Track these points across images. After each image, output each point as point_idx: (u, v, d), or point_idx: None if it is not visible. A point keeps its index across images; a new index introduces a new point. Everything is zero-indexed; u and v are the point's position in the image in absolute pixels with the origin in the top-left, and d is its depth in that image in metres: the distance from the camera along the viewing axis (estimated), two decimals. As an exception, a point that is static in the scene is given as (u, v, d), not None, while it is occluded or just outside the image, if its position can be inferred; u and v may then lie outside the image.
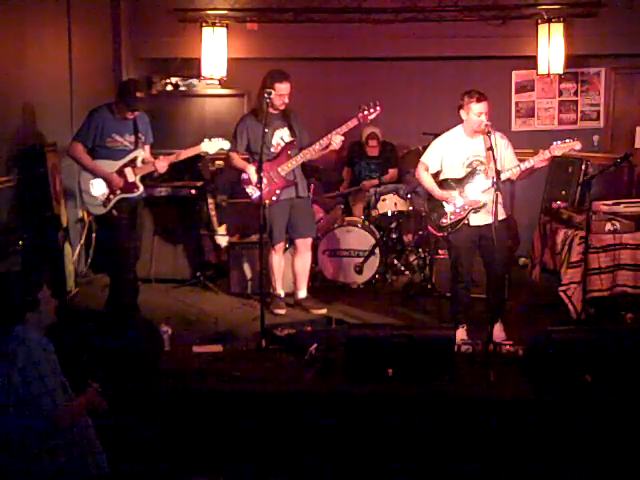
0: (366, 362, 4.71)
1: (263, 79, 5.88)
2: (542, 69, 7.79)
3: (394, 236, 7.20)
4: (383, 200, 7.03)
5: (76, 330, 4.66)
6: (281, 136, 6.02)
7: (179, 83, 8.35)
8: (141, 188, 5.79)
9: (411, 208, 7.07)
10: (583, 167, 6.32)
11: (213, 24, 7.76)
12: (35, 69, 6.27)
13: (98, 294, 6.47)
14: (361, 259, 6.87)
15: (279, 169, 5.96)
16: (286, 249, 6.42)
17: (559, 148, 5.04)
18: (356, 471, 4.24)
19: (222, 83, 8.18)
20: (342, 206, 7.62)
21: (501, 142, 5.23)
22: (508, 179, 5.22)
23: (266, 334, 5.30)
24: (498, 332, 5.29)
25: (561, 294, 5.52)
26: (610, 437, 4.27)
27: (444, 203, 5.32)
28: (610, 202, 5.89)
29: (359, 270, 6.87)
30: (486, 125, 5.05)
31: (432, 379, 4.65)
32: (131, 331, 4.94)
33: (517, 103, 8.30)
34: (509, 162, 5.23)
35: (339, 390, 4.65)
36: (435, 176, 5.41)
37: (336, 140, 5.81)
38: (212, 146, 5.86)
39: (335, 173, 7.92)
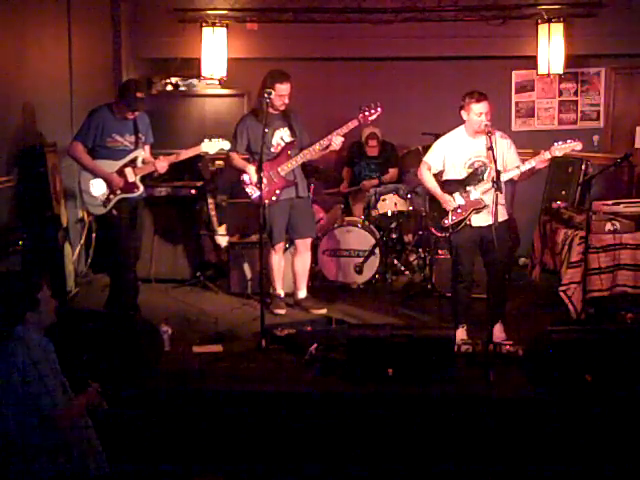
0: (366, 362, 4.71)
1: (263, 79, 5.88)
2: (542, 69, 7.79)
3: (394, 236, 7.21)
4: (383, 200, 7.04)
5: (76, 330, 4.66)
6: (281, 136, 6.02)
7: (179, 83, 8.35)
8: (141, 188, 5.79)
9: (411, 208, 7.07)
10: (583, 167, 6.32)
11: (213, 24, 7.75)
12: (35, 69, 6.26)
13: (98, 294, 6.47)
14: (361, 259, 6.87)
15: (279, 169, 5.96)
16: (286, 249, 6.43)
17: (560, 149, 5.04)
18: (356, 471, 4.24)
19: (222, 83, 8.17)
20: (342, 206, 7.62)
21: (502, 142, 5.22)
22: (511, 179, 5.21)
23: (266, 334, 5.30)
24: (498, 332, 5.29)
25: (561, 294, 5.52)
26: (610, 437, 4.26)
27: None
28: (610, 202, 5.90)
29: (359, 270, 6.87)
30: (486, 125, 5.04)
31: (432, 379, 4.65)
32: (131, 331, 4.94)
33: (517, 103, 8.29)
34: (512, 162, 5.23)
35: (339, 390, 4.66)
36: (438, 176, 5.42)
37: (336, 141, 5.81)
38: (212, 146, 5.86)
39: (335, 173, 7.91)
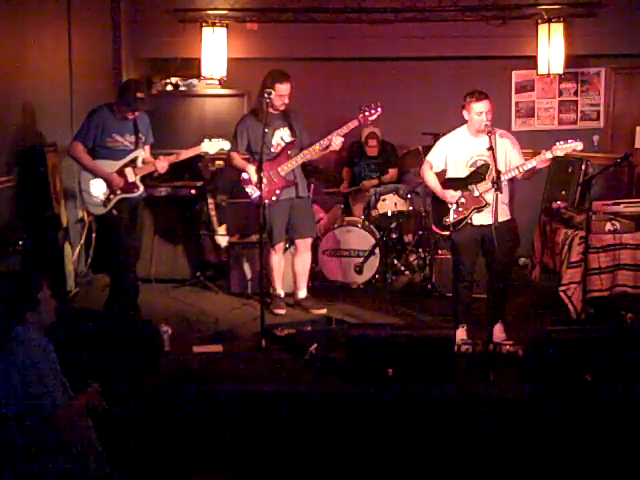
0: (366, 362, 4.71)
1: (263, 79, 5.88)
2: (542, 69, 7.79)
3: (394, 236, 7.20)
4: (383, 200, 7.04)
5: (76, 330, 4.66)
6: (281, 136, 6.02)
7: (179, 83, 8.35)
8: (141, 188, 5.79)
9: (411, 208, 7.08)
10: (583, 167, 6.32)
11: (213, 24, 7.75)
12: (35, 69, 6.26)
13: (98, 294, 6.47)
14: (361, 259, 6.87)
15: (279, 169, 5.96)
16: (286, 249, 6.43)
17: (561, 149, 5.03)
18: (356, 471, 4.24)
19: (222, 83, 8.17)
20: (342, 206, 7.62)
21: (503, 142, 5.22)
22: (512, 178, 5.20)
23: (266, 334, 5.30)
24: (498, 332, 5.28)
25: (561, 294, 5.52)
26: (610, 437, 4.26)
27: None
28: (610, 202, 5.90)
29: (359, 270, 6.87)
30: (486, 125, 5.04)
31: (432, 379, 4.65)
32: (131, 331, 4.94)
33: (517, 103, 8.29)
34: (515, 162, 5.22)
35: (339, 390, 4.65)
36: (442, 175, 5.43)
37: (336, 141, 5.81)
38: (212, 146, 5.86)
39: (335, 173, 7.91)
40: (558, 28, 7.61)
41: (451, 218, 5.30)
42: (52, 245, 6.20)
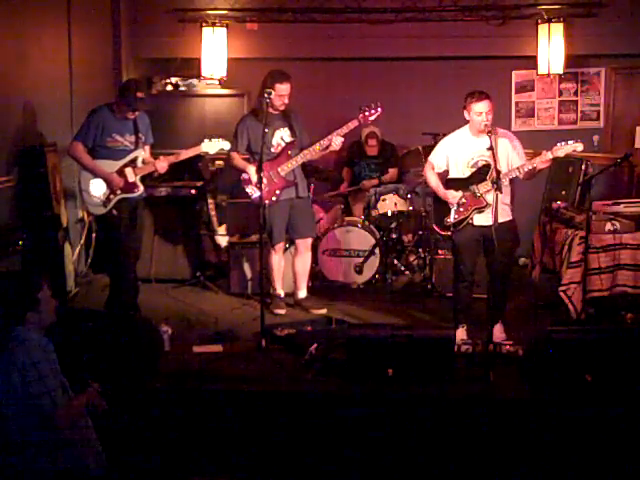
0: (366, 362, 4.71)
1: (264, 79, 5.88)
2: (542, 69, 7.79)
3: (394, 236, 7.20)
4: (383, 200, 7.03)
5: (76, 330, 4.66)
6: (281, 136, 6.02)
7: (179, 83, 8.35)
8: (141, 188, 5.79)
9: (411, 208, 7.07)
10: (583, 167, 6.32)
11: (213, 24, 7.75)
12: (35, 69, 6.26)
13: (98, 294, 6.47)
14: (361, 259, 6.87)
15: (279, 169, 5.96)
16: (286, 249, 6.43)
17: (561, 149, 5.03)
18: (356, 471, 4.24)
19: (222, 83, 8.17)
20: (342, 206, 7.62)
21: (504, 142, 5.21)
22: (516, 177, 5.20)
23: (266, 334, 5.30)
24: (498, 332, 5.29)
25: (561, 294, 5.52)
26: (610, 437, 4.26)
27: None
28: (610, 202, 5.89)
29: (359, 270, 6.87)
30: (485, 125, 5.05)
31: (432, 379, 4.65)
32: (131, 331, 4.94)
33: (517, 103, 8.29)
34: (517, 162, 5.22)
35: (339, 390, 4.65)
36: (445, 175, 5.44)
37: (336, 141, 5.82)
38: (212, 146, 5.86)
39: (335, 173, 7.91)
40: (558, 28, 7.61)
41: (452, 218, 5.30)
42: (52, 245, 6.20)
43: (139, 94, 5.62)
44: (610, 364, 4.54)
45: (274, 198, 5.96)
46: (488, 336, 4.87)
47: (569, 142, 5.02)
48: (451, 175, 5.38)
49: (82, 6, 7.09)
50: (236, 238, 7.01)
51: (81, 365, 4.06)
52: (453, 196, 5.27)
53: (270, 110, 5.71)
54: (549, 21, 7.61)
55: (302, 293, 6.35)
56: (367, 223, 7.04)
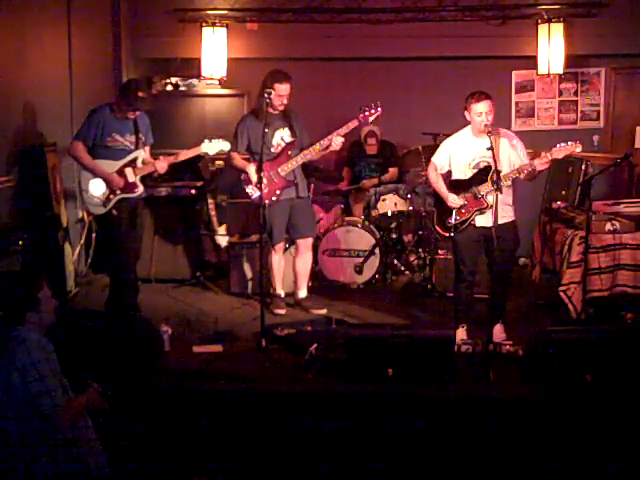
0: (366, 362, 4.71)
1: (264, 79, 5.88)
2: (542, 69, 7.79)
3: (394, 236, 7.21)
4: (383, 200, 7.04)
5: (76, 330, 4.66)
6: (281, 136, 6.02)
7: (179, 83, 8.34)
8: (141, 188, 5.79)
9: (411, 208, 7.07)
10: (583, 167, 6.32)
11: (213, 24, 7.76)
12: (35, 69, 6.27)
13: (98, 294, 6.47)
14: (361, 259, 6.87)
15: (279, 169, 5.96)
16: (286, 249, 6.43)
17: (560, 151, 5.03)
18: (356, 471, 4.24)
19: (222, 83, 8.17)
20: (342, 206, 7.62)
21: (505, 142, 5.20)
22: (517, 178, 5.20)
23: (266, 334, 5.29)
24: (498, 332, 5.28)
25: (561, 294, 5.52)
26: (610, 437, 4.26)
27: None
28: (610, 202, 5.90)
29: (359, 270, 6.87)
30: (485, 125, 5.04)
31: (432, 379, 4.65)
32: (131, 331, 4.94)
33: (517, 103, 8.29)
34: (518, 162, 5.21)
35: (339, 390, 4.65)
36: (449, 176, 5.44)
37: (336, 141, 5.82)
38: (212, 147, 5.86)
39: (335, 173, 7.91)
40: (558, 28, 7.61)
41: (453, 220, 5.29)
42: (52, 245, 6.20)
43: (140, 93, 5.62)
44: (610, 364, 4.55)
45: (274, 198, 5.96)
46: (488, 336, 4.87)
47: (568, 143, 5.02)
48: (454, 176, 5.37)
49: (82, 6, 7.09)
50: (236, 238, 7.01)
51: (81, 365, 4.06)
52: (453, 200, 5.26)
53: (270, 110, 5.71)
54: (549, 21, 7.61)
55: (302, 293, 6.35)
56: (367, 223, 7.04)
